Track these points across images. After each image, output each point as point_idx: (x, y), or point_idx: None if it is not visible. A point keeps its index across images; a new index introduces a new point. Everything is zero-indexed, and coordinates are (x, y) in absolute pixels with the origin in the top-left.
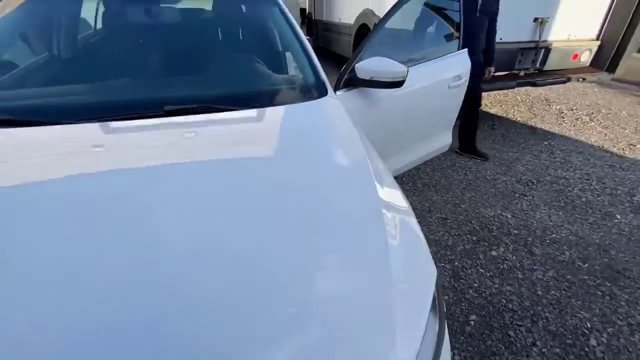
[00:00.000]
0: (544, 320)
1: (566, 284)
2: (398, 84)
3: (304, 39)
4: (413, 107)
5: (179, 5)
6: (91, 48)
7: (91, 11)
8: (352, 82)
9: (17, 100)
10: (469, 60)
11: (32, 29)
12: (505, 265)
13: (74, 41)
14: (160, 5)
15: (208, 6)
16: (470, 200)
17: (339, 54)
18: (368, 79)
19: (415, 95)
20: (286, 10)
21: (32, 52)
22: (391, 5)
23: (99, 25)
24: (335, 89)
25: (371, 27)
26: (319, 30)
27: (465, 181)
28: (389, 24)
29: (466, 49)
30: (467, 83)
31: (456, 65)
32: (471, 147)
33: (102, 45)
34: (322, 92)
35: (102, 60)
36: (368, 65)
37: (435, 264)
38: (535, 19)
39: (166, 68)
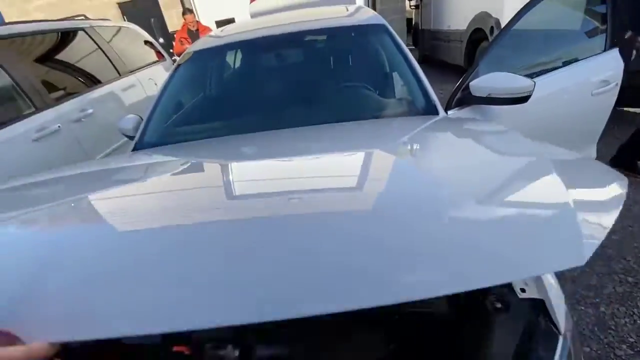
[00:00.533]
0: None
1: None
2: (522, 99)
3: (414, 62)
4: (544, 120)
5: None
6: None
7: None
8: (466, 100)
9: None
10: (620, 60)
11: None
12: None
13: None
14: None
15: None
16: (624, 230)
17: (446, 62)
18: (485, 96)
19: (547, 106)
20: (395, 36)
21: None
22: (511, 5)
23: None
24: (447, 108)
25: (487, 30)
26: (426, 39)
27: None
28: (516, 27)
29: (617, 48)
30: (618, 88)
31: (603, 67)
32: (629, 160)
33: (245, 82)
34: (433, 113)
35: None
36: (484, 83)
37: (575, 307)
38: None
39: (292, 96)
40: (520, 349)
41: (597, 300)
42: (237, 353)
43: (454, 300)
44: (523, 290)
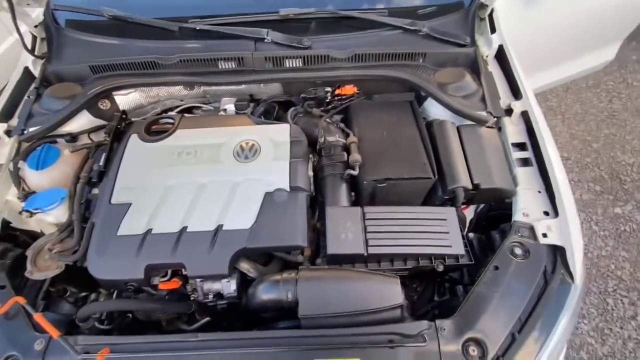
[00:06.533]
0: None
1: None
2: None
3: None
4: (587, 6)
5: None
6: None
7: None
8: None
9: None
10: None
11: None
12: (627, 227)
13: None
14: None
15: None
16: (606, 139)
17: None
18: None
19: None
20: None
21: None
22: None
23: None
24: None
25: None
26: None
27: (607, 111)
28: None
29: None
30: None
31: None
32: None
33: None
34: None
35: None
36: None
37: None
38: None
39: None
40: (535, 293)
41: None
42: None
43: (470, 245)
44: (545, 236)
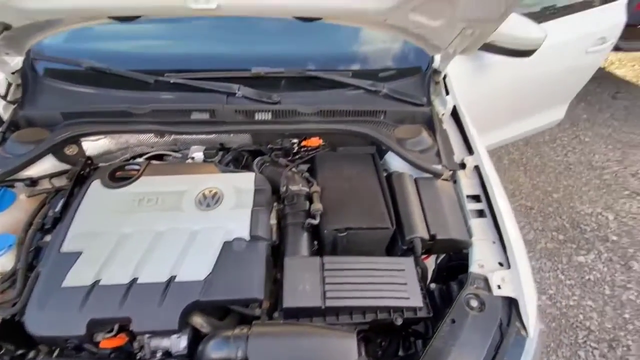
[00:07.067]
0: (624, 349)
1: None
2: (527, 53)
3: None
4: (533, 75)
5: None
6: None
7: None
8: None
9: None
10: (624, 16)
11: None
12: (591, 277)
13: None
14: None
15: None
16: (565, 189)
17: None
18: (488, 41)
19: (539, 60)
20: None
21: None
22: None
23: None
24: None
25: None
26: None
27: (564, 164)
28: None
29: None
30: (612, 47)
31: (604, 22)
32: None
33: None
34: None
35: None
36: None
37: None
38: None
39: None
40: (492, 347)
41: (530, 254)
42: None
43: (431, 296)
44: (499, 287)
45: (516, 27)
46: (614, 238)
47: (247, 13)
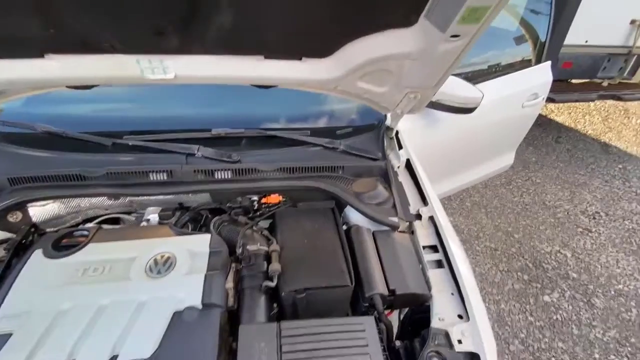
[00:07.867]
0: None
1: (629, 349)
2: (469, 110)
3: None
4: (478, 127)
5: None
6: None
7: None
8: None
9: None
10: (550, 75)
11: None
12: (559, 316)
13: None
14: None
15: None
16: (525, 229)
17: None
18: (433, 100)
19: (482, 115)
20: None
21: None
22: None
23: None
24: None
25: None
26: None
27: (520, 205)
28: None
29: (549, 62)
30: (544, 101)
31: (535, 80)
32: None
33: None
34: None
35: None
36: None
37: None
38: (633, 22)
39: None
40: None
41: (499, 297)
42: None
43: (397, 355)
44: (460, 342)
45: (457, 89)
46: (574, 275)
47: (204, 82)
